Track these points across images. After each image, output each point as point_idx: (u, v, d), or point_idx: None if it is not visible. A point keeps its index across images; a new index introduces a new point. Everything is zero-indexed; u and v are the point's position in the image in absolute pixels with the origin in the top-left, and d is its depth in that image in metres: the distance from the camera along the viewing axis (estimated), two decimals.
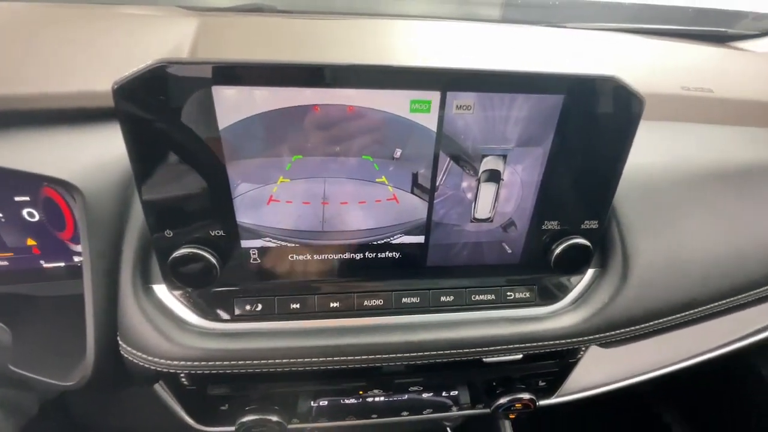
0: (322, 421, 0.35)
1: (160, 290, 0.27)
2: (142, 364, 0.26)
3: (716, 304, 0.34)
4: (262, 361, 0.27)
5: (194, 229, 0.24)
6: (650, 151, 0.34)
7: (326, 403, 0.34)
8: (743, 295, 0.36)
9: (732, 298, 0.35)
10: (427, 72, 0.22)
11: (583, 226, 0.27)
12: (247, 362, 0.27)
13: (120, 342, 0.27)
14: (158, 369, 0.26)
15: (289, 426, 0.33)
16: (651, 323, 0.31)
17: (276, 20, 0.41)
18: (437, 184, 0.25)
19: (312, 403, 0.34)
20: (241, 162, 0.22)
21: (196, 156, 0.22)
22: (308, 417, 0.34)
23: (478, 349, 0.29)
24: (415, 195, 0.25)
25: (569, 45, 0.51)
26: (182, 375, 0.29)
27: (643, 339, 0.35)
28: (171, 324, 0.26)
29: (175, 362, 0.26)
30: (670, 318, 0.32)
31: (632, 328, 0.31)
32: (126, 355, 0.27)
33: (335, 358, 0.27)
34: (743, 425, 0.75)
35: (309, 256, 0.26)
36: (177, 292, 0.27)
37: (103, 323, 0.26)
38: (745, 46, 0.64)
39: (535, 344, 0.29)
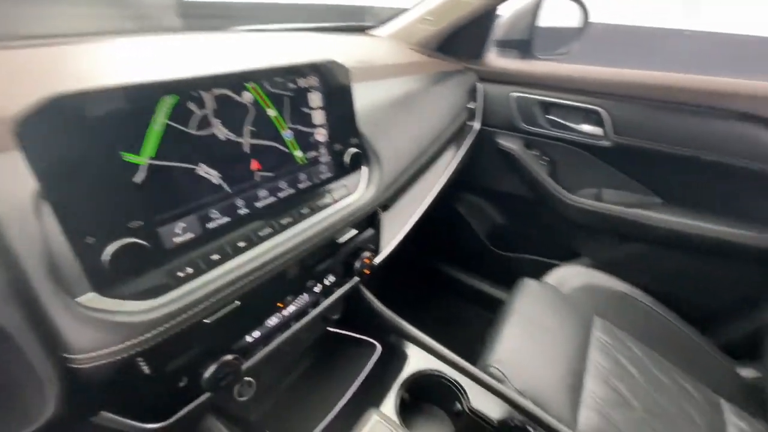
0: (259, 351, 0.46)
1: (89, 298, 0.30)
2: (108, 360, 0.30)
3: (419, 165, 0.67)
4: (210, 301, 0.36)
5: (115, 228, 0.30)
6: (362, 97, 0.60)
7: (259, 333, 0.45)
8: (427, 158, 0.71)
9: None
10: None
11: (351, 142, 0.50)
12: (198, 308, 0.35)
13: (75, 356, 0.29)
14: (124, 356, 0.31)
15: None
16: (397, 186, 0.59)
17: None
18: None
19: (248, 338, 0.44)
20: None
21: (103, 167, 0.28)
22: (249, 350, 0.44)
23: (336, 230, 0.48)
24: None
25: (258, 46, 0.70)
26: (141, 361, 0.33)
27: (397, 199, 0.65)
28: (119, 315, 0.31)
29: (140, 338, 0.31)
30: (404, 180, 0.62)
31: (393, 190, 0.58)
32: (85, 365, 0.29)
33: (259, 273, 0.39)
34: (460, 251, 1.32)
35: (220, 218, 0.36)
36: (108, 293, 0.31)
37: (44, 350, 0.27)
38: (375, 33, 1.04)
39: (361, 214, 0.51)
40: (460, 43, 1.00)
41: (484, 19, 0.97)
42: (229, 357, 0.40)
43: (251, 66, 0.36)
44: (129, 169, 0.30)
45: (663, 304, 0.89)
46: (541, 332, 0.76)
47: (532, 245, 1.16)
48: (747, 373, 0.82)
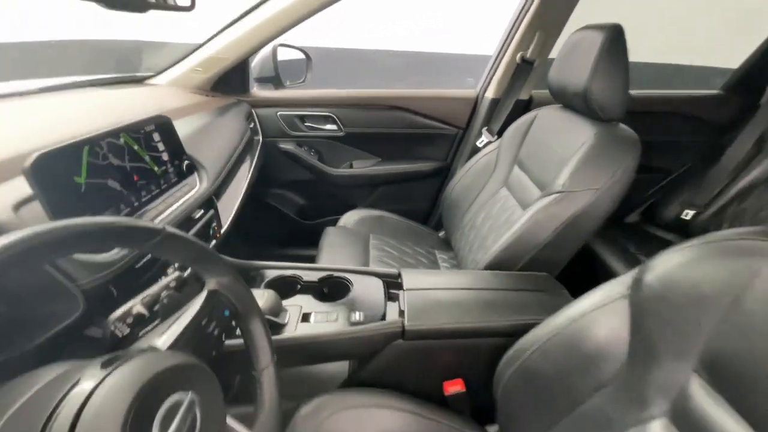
0: None
1: None
2: None
3: (230, 168, 1.03)
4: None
5: None
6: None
7: None
8: (233, 163, 1.08)
9: None
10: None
11: (184, 158, 0.83)
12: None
13: None
14: None
15: None
16: (219, 181, 0.95)
17: None
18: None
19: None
20: None
21: (68, 186, 0.55)
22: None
23: (191, 209, 0.80)
24: None
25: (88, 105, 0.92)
26: None
27: (223, 191, 1.00)
28: None
29: None
30: (223, 177, 0.97)
31: (217, 184, 0.93)
32: None
33: None
34: None
35: (126, 209, 0.65)
36: None
37: None
38: (154, 82, 1.30)
39: (202, 199, 0.84)
40: (228, 84, 1.38)
41: (241, 65, 1.38)
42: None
43: (122, 123, 0.66)
44: (77, 186, 0.57)
45: (402, 215, 1.56)
46: (341, 251, 1.27)
47: (327, 210, 1.69)
48: (441, 235, 1.58)
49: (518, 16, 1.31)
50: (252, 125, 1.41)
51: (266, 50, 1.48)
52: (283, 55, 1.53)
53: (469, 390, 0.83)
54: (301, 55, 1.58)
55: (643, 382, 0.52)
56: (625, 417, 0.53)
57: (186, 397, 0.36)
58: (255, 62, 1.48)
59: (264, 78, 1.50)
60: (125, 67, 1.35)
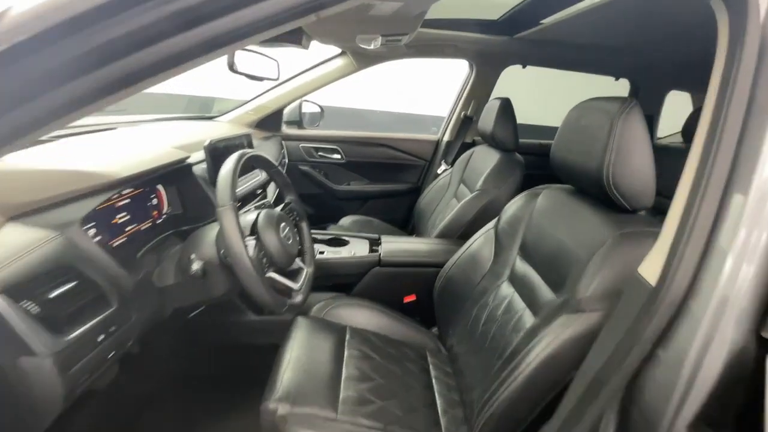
0: None
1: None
2: None
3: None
4: None
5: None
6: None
7: None
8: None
9: None
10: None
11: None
12: None
13: None
14: None
15: None
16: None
17: None
18: None
19: None
20: None
21: None
22: None
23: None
24: None
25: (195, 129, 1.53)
26: None
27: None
28: None
29: None
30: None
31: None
32: None
33: None
34: None
35: None
36: None
37: None
38: (219, 119, 1.93)
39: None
40: (268, 123, 2.03)
41: (278, 112, 2.04)
42: None
43: (221, 136, 1.27)
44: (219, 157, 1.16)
45: (384, 221, 2.12)
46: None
47: (330, 218, 2.26)
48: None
49: (462, 89, 2.03)
50: (282, 151, 2.03)
51: (294, 103, 2.16)
52: (306, 108, 2.21)
53: (419, 301, 1.35)
54: (317, 109, 2.26)
55: (499, 265, 1.08)
56: (491, 285, 1.08)
57: (288, 225, 0.92)
58: (286, 111, 2.15)
59: (291, 121, 2.16)
60: (203, 111, 2.01)
